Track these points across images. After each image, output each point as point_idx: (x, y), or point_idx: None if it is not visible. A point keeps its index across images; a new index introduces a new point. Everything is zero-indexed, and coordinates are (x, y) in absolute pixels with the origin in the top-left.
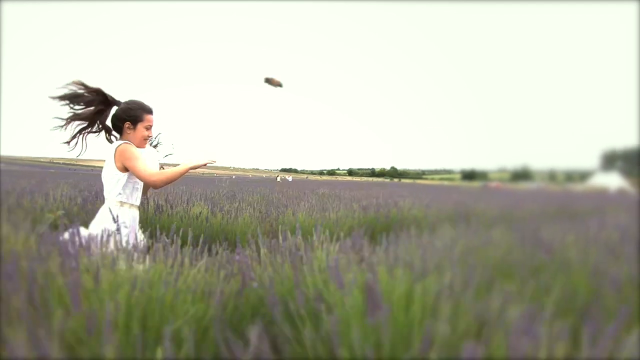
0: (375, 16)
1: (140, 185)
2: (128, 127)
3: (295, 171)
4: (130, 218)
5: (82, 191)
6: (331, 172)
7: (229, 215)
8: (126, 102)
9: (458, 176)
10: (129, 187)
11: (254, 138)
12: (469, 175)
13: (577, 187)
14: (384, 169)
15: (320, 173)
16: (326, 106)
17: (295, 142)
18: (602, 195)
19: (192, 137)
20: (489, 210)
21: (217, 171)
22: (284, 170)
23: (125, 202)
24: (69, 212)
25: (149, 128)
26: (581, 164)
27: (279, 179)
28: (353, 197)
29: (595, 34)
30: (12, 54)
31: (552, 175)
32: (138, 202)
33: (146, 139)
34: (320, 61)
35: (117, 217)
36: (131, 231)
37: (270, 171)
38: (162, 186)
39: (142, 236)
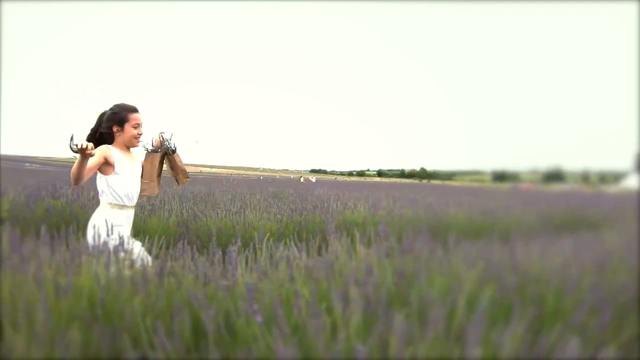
0: (376, 16)
1: (128, 185)
2: (117, 130)
3: (325, 172)
4: (124, 218)
5: (36, 189)
6: (360, 173)
7: (142, 214)
8: (110, 108)
9: (488, 177)
10: (114, 189)
11: (283, 140)
12: (500, 177)
13: (611, 188)
14: (414, 170)
15: (350, 174)
16: (337, 108)
17: (324, 144)
18: (630, 197)
19: (214, 137)
20: (454, 217)
21: (247, 172)
22: (313, 171)
23: (114, 204)
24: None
25: (136, 126)
26: (615, 164)
27: (302, 179)
28: (327, 198)
29: (620, 30)
30: (12, 54)
31: (585, 176)
32: (131, 202)
33: (136, 137)
34: (320, 61)
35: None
36: (125, 231)
37: (300, 172)
38: (75, 182)
39: (138, 245)
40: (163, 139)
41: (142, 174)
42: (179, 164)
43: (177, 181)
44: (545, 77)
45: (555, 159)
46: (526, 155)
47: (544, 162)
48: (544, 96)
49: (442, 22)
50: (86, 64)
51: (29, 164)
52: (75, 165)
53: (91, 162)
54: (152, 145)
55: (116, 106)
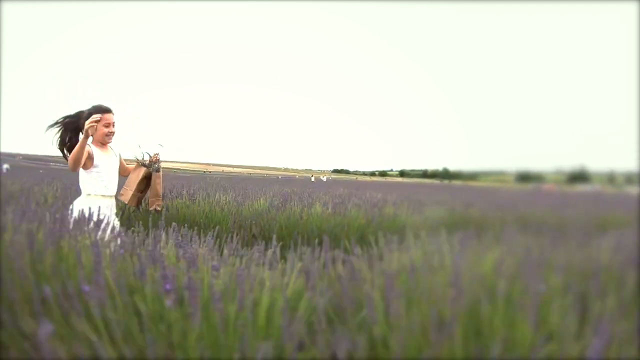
0: (376, 16)
1: (106, 177)
2: None
3: (347, 172)
4: (105, 207)
5: None
6: (383, 174)
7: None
8: (87, 109)
9: (511, 177)
10: (92, 180)
11: (303, 141)
12: (524, 177)
13: (635, 189)
14: (437, 170)
15: (372, 174)
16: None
17: (345, 145)
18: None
19: (234, 137)
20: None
21: (267, 172)
22: (336, 171)
23: (92, 194)
24: None
25: (107, 125)
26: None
27: (313, 179)
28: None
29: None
30: (12, 54)
31: (611, 177)
32: (109, 192)
33: (108, 134)
34: (320, 61)
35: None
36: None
37: (322, 172)
38: (74, 165)
39: (117, 223)
40: (157, 159)
41: (127, 181)
42: (157, 186)
43: (147, 204)
44: (563, 74)
45: (580, 158)
46: (552, 155)
47: (569, 162)
48: (567, 91)
49: (447, 21)
50: (86, 64)
51: (54, 164)
52: (78, 147)
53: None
54: (146, 159)
55: (92, 107)
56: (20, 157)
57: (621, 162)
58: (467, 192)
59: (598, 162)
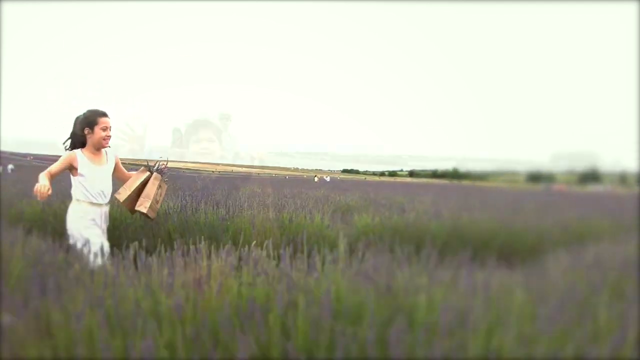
0: (376, 16)
1: (93, 185)
2: (88, 133)
3: (357, 172)
4: (95, 214)
5: None
6: (392, 174)
7: None
8: (82, 113)
9: (522, 177)
10: (80, 188)
11: (310, 141)
12: (535, 177)
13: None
14: (447, 170)
15: (382, 174)
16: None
17: (349, 144)
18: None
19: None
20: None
21: (277, 171)
22: (345, 171)
23: (82, 200)
24: None
25: (105, 129)
26: None
27: (316, 179)
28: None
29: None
30: (12, 54)
31: (622, 178)
32: (97, 201)
33: (105, 138)
34: (320, 61)
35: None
36: (97, 225)
37: (330, 172)
38: None
39: (103, 230)
40: (166, 167)
41: (128, 182)
42: (152, 186)
43: (133, 208)
44: (570, 73)
45: (592, 159)
46: (562, 155)
47: (581, 162)
48: (577, 90)
49: (451, 20)
50: (86, 64)
51: None
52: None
53: (56, 167)
54: (158, 168)
55: (88, 111)
56: (31, 158)
57: (633, 162)
58: (461, 192)
59: (610, 162)
